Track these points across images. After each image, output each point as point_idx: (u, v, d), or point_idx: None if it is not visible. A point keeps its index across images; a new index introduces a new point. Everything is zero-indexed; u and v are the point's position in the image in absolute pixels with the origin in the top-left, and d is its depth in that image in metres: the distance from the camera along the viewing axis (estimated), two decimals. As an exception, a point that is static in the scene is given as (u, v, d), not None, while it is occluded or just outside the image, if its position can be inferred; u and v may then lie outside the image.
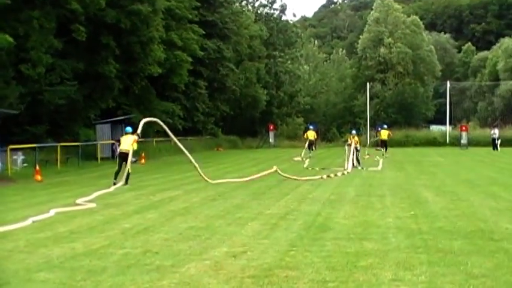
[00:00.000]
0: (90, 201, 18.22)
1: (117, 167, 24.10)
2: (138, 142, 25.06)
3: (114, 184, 22.84)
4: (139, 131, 24.55)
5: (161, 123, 27.08)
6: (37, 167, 28.17)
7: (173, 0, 49.58)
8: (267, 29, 74.97)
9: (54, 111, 38.18)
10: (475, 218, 14.02)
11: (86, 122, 43.04)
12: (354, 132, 36.09)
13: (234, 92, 64.34)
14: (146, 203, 17.88)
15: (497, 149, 52.01)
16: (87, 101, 40.82)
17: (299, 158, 40.48)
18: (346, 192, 20.14)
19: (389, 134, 48.35)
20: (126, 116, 44.27)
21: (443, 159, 40.68)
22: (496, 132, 54.37)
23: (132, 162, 25.62)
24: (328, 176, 26.33)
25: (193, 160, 25.12)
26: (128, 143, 24.12)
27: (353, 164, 32.28)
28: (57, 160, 33.87)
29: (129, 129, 25.58)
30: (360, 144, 36.25)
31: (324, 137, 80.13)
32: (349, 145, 33.44)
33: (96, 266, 9.64)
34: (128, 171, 23.59)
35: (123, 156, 23.88)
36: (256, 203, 17.32)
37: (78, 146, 37.37)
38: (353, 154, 32.91)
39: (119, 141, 39.04)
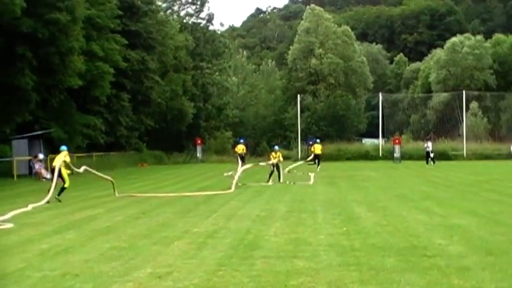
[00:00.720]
0: (5, 221, 17.85)
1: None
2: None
3: (59, 201, 23.37)
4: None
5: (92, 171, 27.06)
6: None
7: (94, 8, 49.12)
8: (193, 39, 74.99)
9: (-34, 126, 37.39)
10: (408, 234, 14.24)
11: (0, 137, 42.20)
12: (276, 147, 36.33)
13: (159, 105, 64.02)
14: (65, 222, 17.58)
15: (433, 162, 52.94)
16: (1, 114, 40.06)
17: (230, 173, 40.52)
18: (277, 208, 20.22)
19: (321, 148, 49.29)
20: (44, 131, 43.63)
21: (376, 173, 41.24)
22: (429, 145, 55.27)
23: (49, 179, 25.76)
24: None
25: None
26: (60, 158, 24.74)
27: (279, 179, 33.15)
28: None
29: (64, 147, 25.88)
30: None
31: (254, 151, 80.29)
32: (273, 164, 33.78)
33: (12, 290, 9.45)
34: (62, 186, 24.37)
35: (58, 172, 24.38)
36: (182, 221, 17.24)
37: (-8, 162, 36.63)
38: (278, 169, 33.56)
39: (36, 157, 38.69)
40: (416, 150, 63.28)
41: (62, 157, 24.72)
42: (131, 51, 56.91)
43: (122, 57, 53.36)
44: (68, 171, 25.00)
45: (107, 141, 52.85)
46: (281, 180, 33.35)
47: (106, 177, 27.06)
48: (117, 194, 25.69)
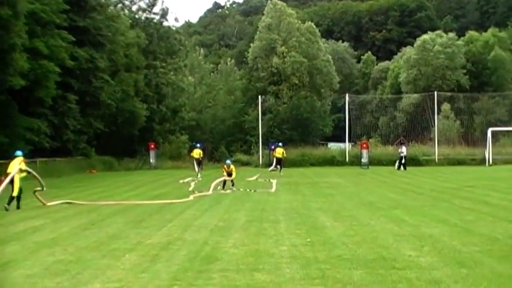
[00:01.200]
0: None
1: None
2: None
3: (6, 209, 23.53)
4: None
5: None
6: None
7: (38, 2, 48.61)
8: (145, 35, 74.53)
9: None
10: (376, 245, 14.33)
11: None
12: (228, 162, 36.12)
13: (109, 107, 63.53)
14: (6, 234, 17.40)
15: (404, 168, 53.38)
16: None
17: (187, 180, 40.52)
18: (236, 218, 20.22)
19: (283, 152, 49.71)
20: (-17, 135, 43.15)
21: (343, 179, 41.41)
22: (403, 150, 55.71)
23: None
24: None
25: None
26: (15, 164, 24.82)
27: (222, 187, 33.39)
28: None
29: (19, 152, 26.13)
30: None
31: (212, 156, 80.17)
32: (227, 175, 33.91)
33: None
34: (11, 194, 24.31)
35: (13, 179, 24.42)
36: (134, 232, 17.16)
37: None
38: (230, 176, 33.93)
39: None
40: (385, 155, 63.82)
41: (17, 163, 24.67)
42: (79, 49, 56.35)
43: (68, 55, 52.77)
44: (23, 175, 24.95)
45: (52, 146, 52.26)
46: (234, 188, 33.48)
47: (42, 201, 26.51)
48: (47, 204, 25.62)
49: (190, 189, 33.36)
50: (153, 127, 74.85)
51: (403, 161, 54.47)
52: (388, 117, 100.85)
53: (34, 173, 25.69)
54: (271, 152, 56.50)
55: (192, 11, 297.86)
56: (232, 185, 33.57)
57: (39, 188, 25.59)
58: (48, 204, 25.60)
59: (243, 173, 45.13)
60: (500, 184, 35.31)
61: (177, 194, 29.99)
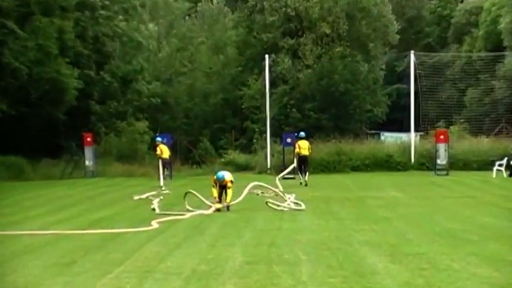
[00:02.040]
0: None
1: None
2: None
3: None
4: None
5: None
6: None
7: None
8: (77, -45, 74.60)
9: None
10: (461, 301, 14.44)
11: None
12: (221, 174, 35.62)
13: (17, 74, 63.57)
14: None
15: (510, 173, 53.19)
16: None
17: (146, 196, 40.70)
18: (229, 257, 20.22)
19: (309, 147, 49.50)
20: None
21: (405, 194, 41.51)
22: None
23: None
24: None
25: None
26: None
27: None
28: None
29: None
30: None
31: (187, 156, 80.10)
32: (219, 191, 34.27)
33: None
34: None
35: None
36: (60, 282, 17.22)
37: None
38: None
39: None
40: (477, 152, 63.65)
41: None
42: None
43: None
44: None
45: None
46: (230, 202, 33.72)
47: None
48: None
49: (153, 208, 33.49)
50: (90, 107, 74.83)
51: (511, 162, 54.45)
52: (480, 90, 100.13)
53: None
54: (293, 147, 55.54)
55: None
56: (228, 209, 33.63)
57: None
58: None
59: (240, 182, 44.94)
60: None
61: (130, 219, 30.09)
